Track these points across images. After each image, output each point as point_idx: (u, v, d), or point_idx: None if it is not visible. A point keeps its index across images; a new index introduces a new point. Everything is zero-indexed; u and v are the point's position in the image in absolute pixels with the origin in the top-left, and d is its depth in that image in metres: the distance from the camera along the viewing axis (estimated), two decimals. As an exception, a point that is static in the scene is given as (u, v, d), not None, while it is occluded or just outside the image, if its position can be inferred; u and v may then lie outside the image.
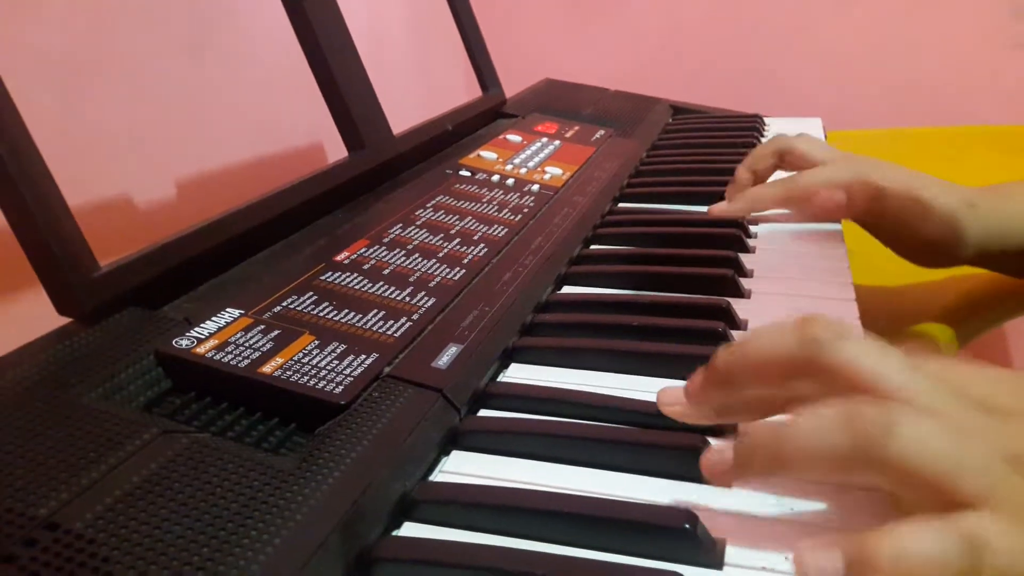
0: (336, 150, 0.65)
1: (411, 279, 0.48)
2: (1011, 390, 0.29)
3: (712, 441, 0.35)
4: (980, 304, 0.72)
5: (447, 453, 0.37)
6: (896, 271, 0.60)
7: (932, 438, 0.26)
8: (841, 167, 0.59)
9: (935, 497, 0.26)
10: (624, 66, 1.38)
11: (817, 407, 0.28)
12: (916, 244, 0.58)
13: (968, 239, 0.56)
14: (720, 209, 0.64)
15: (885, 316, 0.69)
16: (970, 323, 0.74)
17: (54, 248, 0.38)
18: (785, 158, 0.64)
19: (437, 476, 0.35)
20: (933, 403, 0.28)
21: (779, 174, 0.65)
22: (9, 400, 0.33)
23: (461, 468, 0.35)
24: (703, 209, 0.65)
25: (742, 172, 0.65)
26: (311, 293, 0.44)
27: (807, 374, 0.30)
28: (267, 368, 0.37)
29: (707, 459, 0.31)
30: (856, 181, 0.57)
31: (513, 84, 0.97)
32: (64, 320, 0.40)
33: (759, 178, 0.65)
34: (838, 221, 0.62)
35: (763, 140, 0.89)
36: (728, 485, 0.30)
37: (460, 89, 1.39)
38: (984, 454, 0.26)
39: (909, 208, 0.56)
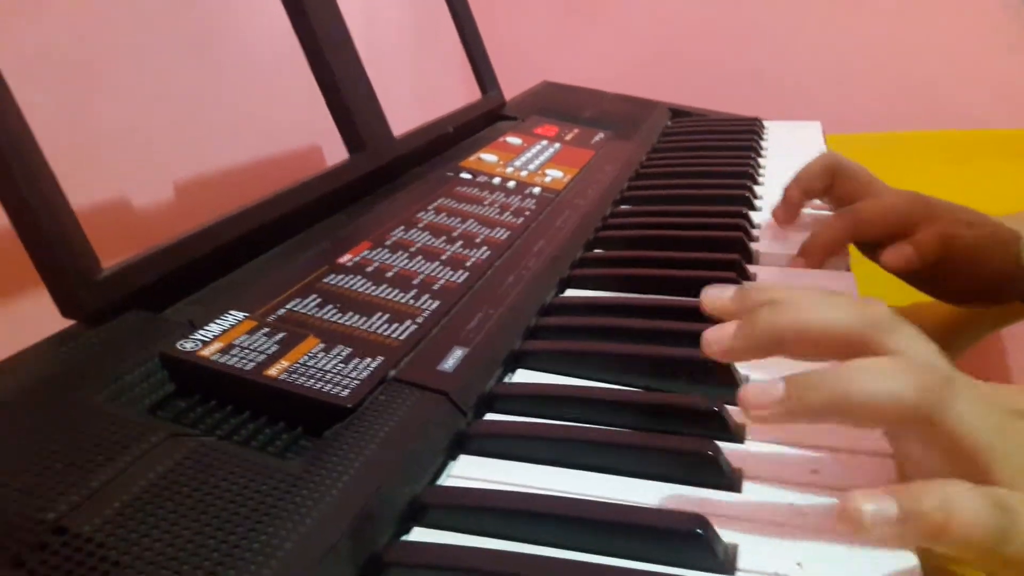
0: (333, 152, 0.65)
1: (415, 281, 0.48)
2: None
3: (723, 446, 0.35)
4: (972, 316, 0.72)
5: (454, 457, 0.36)
6: (900, 285, 0.60)
7: (986, 413, 0.28)
8: (899, 202, 0.57)
9: (968, 470, 0.27)
10: (621, 69, 1.38)
11: (880, 356, 0.29)
12: (976, 283, 0.56)
13: None
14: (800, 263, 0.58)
15: None
16: (963, 335, 0.74)
17: (58, 250, 0.38)
18: (836, 181, 0.62)
19: (445, 480, 0.35)
20: (980, 393, 0.29)
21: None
22: (15, 402, 0.33)
23: (469, 472, 0.35)
24: (705, 209, 0.65)
25: (795, 192, 0.62)
26: (315, 295, 0.44)
27: (859, 352, 0.30)
28: (273, 371, 0.37)
29: (750, 392, 0.30)
30: (918, 221, 0.55)
31: (508, 86, 0.96)
32: (61, 323, 0.39)
33: (809, 197, 0.63)
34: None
35: (763, 143, 0.89)
36: (768, 421, 0.30)
37: (456, 91, 1.38)
38: (1020, 443, 0.28)
39: (983, 241, 0.54)
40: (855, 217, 0.57)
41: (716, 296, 0.36)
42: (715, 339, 0.34)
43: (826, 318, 0.31)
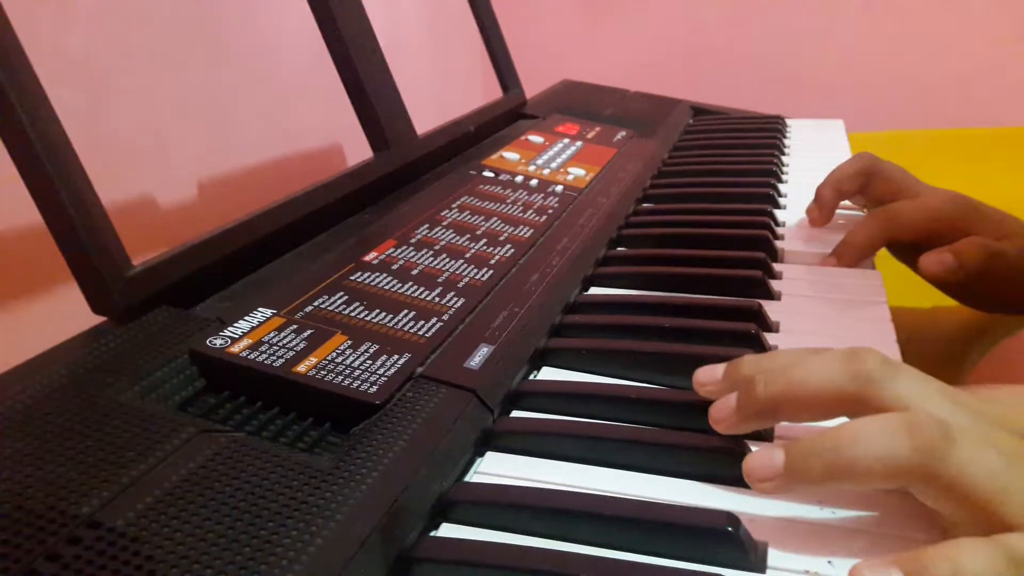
0: (354, 152, 0.65)
1: (440, 279, 0.48)
2: None
3: (753, 446, 0.35)
4: (995, 320, 0.71)
5: (481, 454, 0.36)
6: (923, 285, 0.59)
7: (986, 458, 0.27)
8: (937, 203, 0.56)
9: (979, 516, 0.26)
10: (641, 67, 1.37)
11: (874, 416, 0.28)
12: (1013, 294, 0.55)
13: None
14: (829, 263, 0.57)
15: (906, 331, 0.69)
16: (984, 340, 0.73)
17: (90, 247, 0.38)
18: (871, 181, 0.61)
19: (473, 477, 0.35)
20: (980, 433, 0.28)
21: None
22: (47, 398, 0.33)
23: (496, 469, 0.35)
24: (730, 207, 0.65)
25: (828, 192, 0.61)
26: (342, 293, 0.44)
27: (856, 410, 0.30)
28: (301, 368, 0.37)
29: (753, 464, 0.30)
30: (957, 225, 0.54)
31: (527, 85, 0.96)
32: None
33: (842, 198, 0.62)
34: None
35: (786, 142, 0.88)
36: (775, 493, 0.30)
37: (476, 90, 1.39)
38: None
39: None
40: (891, 218, 0.56)
41: (707, 379, 0.36)
42: (721, 417, 0.34)
43: (817, 383, 0.31)
